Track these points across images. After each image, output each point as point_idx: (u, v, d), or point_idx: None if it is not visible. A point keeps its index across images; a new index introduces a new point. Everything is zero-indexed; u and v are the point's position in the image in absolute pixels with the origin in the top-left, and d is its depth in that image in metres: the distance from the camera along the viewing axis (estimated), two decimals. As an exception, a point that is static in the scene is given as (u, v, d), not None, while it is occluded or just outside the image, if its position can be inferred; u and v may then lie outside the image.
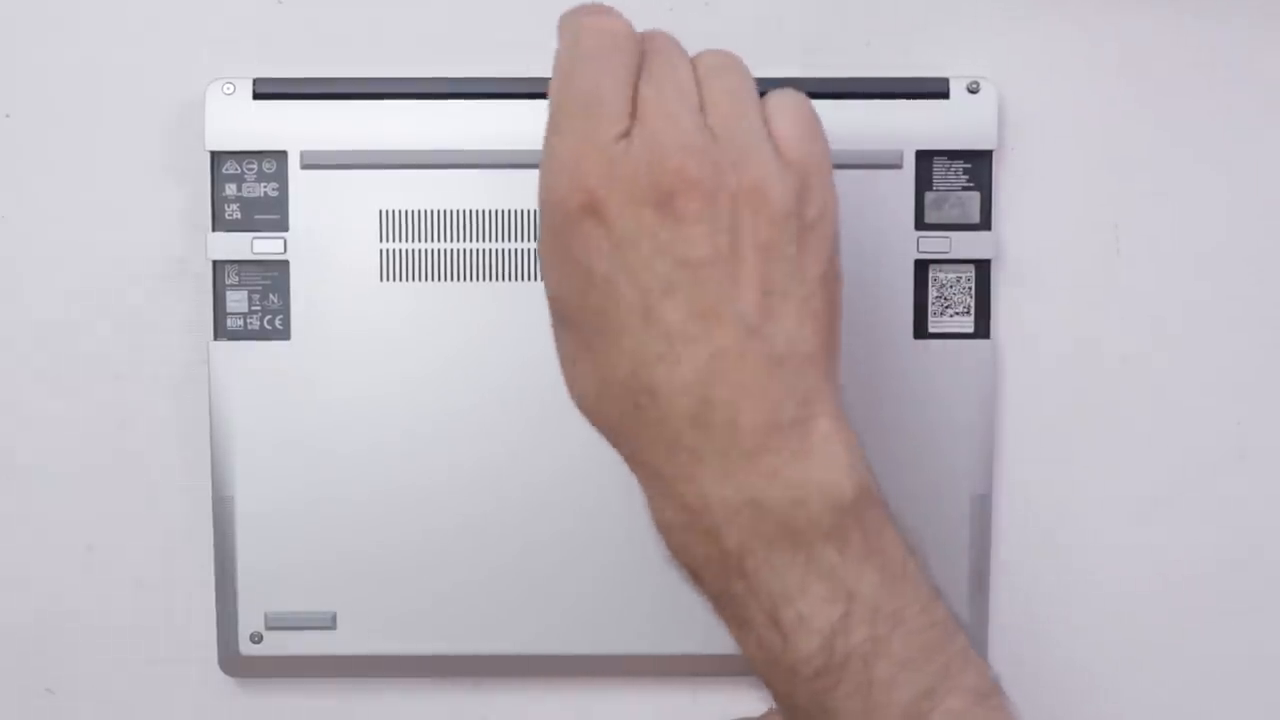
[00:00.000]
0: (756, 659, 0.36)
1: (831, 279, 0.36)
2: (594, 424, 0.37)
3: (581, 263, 0.34)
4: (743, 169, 0.35)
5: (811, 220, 0.35)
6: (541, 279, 0.37)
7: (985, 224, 0.49)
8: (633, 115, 0.35)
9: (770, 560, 0.34)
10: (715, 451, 0.34)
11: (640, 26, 0.51)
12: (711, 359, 0.34)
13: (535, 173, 0.48)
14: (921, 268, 0.49)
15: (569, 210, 0.34)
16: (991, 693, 0.37)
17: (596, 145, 0.34)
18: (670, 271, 0.34)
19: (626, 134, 0.34)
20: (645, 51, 0.36)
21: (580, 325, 0.36)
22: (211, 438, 0.49)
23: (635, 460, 0.36)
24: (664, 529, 0.36)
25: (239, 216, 0.49)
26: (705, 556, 0.35)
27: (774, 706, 0.46)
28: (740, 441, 0.34)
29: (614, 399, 0.35)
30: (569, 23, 0.37)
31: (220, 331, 0.49)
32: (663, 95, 0.35)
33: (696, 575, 0.36)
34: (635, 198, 0.34)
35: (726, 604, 0.36)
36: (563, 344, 0.37)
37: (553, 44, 0.50)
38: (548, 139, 0.36)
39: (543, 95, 0.48)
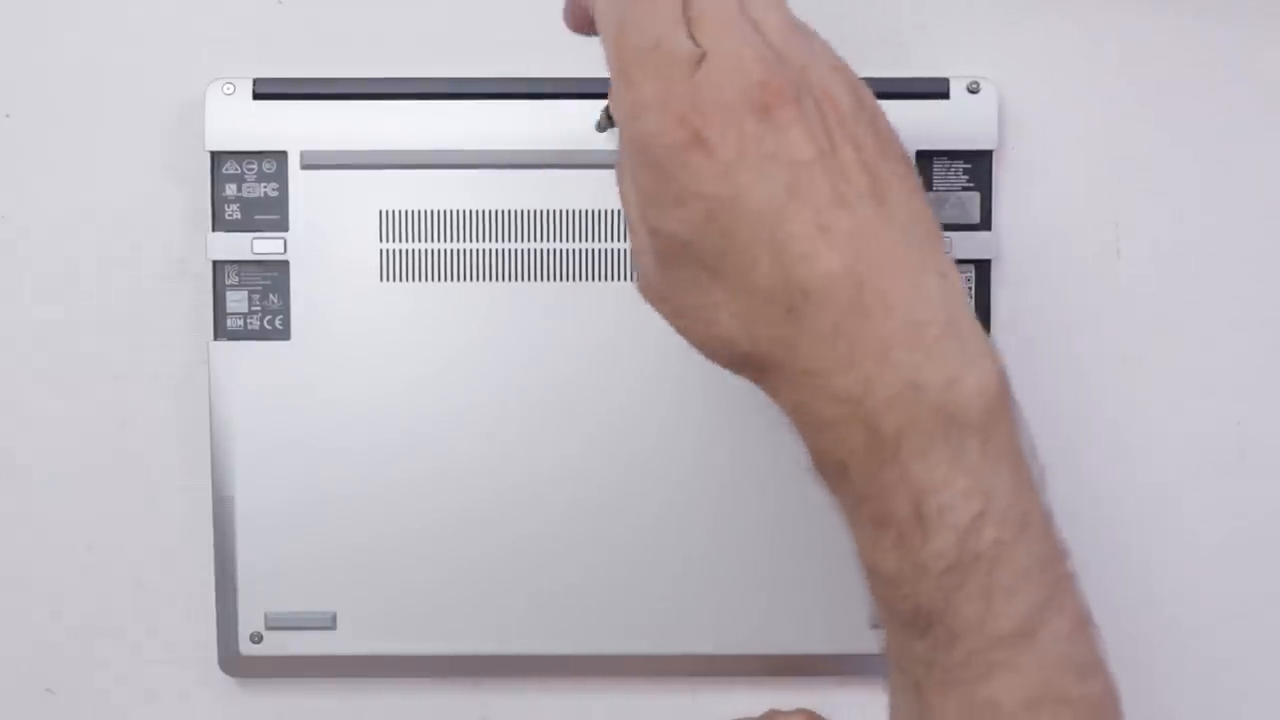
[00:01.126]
0: (887, 561, 0.36)
1: (907, 159, 0.37)
2: (739, 357, 0.37)
3: (696, 194, 0.35)
4: (808, 71, 0.36)
5: (871, 109, 0.37)
6: (645, 232, 0.37)
7: (985, 224, 0.49)
8: (694, 40, 0.36)
9: (924, 448, 0.35)
10: (873, 334, 0.34)
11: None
12: (853, 243, 0.35)
13: (535, 173, 0.49)
14: (921, 268, 0.49)
15: (671, 149, 0.35)
16: (1089, 621, 0.38)
17: (676, 81, 0.35)
18: (787, 175, 0.35)
19: (699, 60, 0.35)
20: None
21: (706, 257, 0.36)
22: (211, 438, 0.49)
23: (786, 369, 0.36)
24: (815, 430, 0.36)
25: (239, 216, 0.49)
26: (862, 446, 0.35)
27: (774, 707, 0.46)
28: (896, 319, 0.34)
29: (762, 316, 0.35)
30: None
31: (220, 331, 0.49)
32: (719, 12, 0.36)
33: (844, 473, 0.36)
34: (732, 118, 0.35)
35: (870, 500, 0.36)
36: (682, 291, 0.37)
37: (552, 44, 0.50)
38: (624, 95, 0.36)
39: (542, 96, 0.49)
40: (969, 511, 0.35)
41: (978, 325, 0.36)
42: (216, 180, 0.49)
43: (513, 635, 0.50)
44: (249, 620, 0.50)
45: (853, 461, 0.36)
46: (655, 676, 0.51)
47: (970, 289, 0.50)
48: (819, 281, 0.35)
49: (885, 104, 0.48)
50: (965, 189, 0.49)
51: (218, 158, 0.49)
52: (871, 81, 0.49)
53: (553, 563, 0.49)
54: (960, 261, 0.49)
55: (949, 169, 0.49)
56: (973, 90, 0.49)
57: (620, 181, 0.38)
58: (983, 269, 0.50)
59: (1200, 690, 0.52)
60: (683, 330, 0.38)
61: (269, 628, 0.50)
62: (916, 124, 0.49)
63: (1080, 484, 0.51)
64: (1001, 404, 0.36)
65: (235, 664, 0.50)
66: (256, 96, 0.48)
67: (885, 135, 0.37)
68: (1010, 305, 0.50)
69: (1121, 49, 0.50)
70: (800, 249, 0.34)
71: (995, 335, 0.50)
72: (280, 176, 0.49)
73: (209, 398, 0.49)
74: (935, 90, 0.49)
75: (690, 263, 0.36)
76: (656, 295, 0.38)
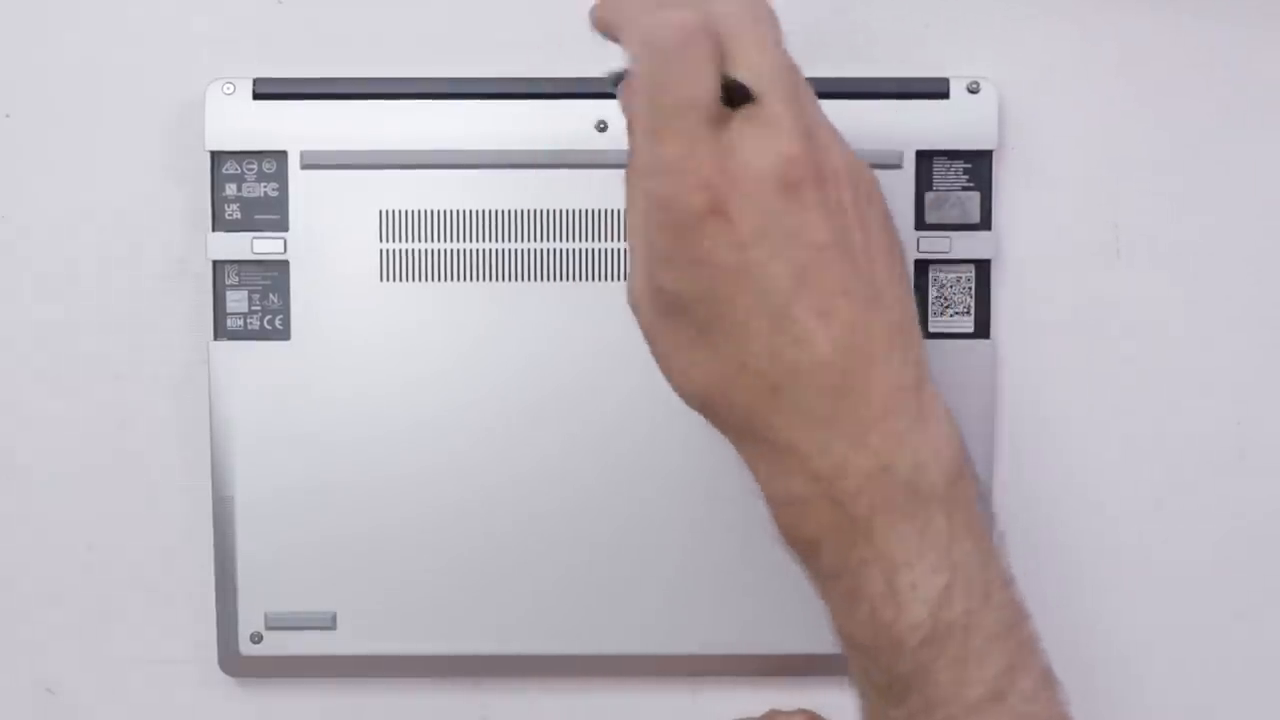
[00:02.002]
0: (862, 633, 0.37)
1: (899, 241, 0.38)
2: (711, 412, 0.38)
3: (708, 260, 0.35)
4: (830, 151, 0.36)
5: (879, 196, 0.38)
6: (646, 277, 0.37)
7: (985, 224, 0.49)
8: (739, 85, 0.36)
9: (895, 526, 0.36)
10: (851, 420, 0.35)
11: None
12: (846, 333, 0.35)
13: (535, 173, 0.49)
14: (921, 268, 0.49)
15: (692, 213, 0.35)
16: (1053, 680, 0.38)
17: (706, 145, 0.35)
18: (802, 257, 0.35)
19: (728, 126, 0.35)
20: (721, 33, 0.36)
21: (700, 318, 0.36)
22: (211, 438, 0.49)
23: (760, 440, 0.37)
24: (786, 504, 0.37)
25: (239, 216, 0.49)
26: (831, 526, 0.36)
27: (774, 707, 0.46)
28: (873, 407, 0.36)
29: (746, 386, 0.36)
30: (633, 24, 0.37)
31: (220, 331, 0.49)
32: (772, 72, 0.36)
33: (815, 549, 0.37)
34: (757, 191, 0.35)
35: (842, 577, 0.37)
36: (669, 339, 0.37)
37: (552, 44, 0.50)
38: (648, 150, 0.36)
39: (542, 96, 0.49)
40: (939, 584, 0.36)
41: (941, 401, 0.37)
42: (216, 180, 0.49)
43: (513, 635, 0.50)
44: (249, 620, 0.50)
45: (824, 538, 0.37)
46: (655, 676, 0.51)
47: (970, 289, 0.50)
48: (809, 365, 0.35)
49: (885, 104, 0.49)
50: (965, 189, 0.49)
51: (218, 158, 0.49)
52: (871, 81, 0.49)
53: (553, 562, 0.49)
54: (960, 261, 0.49)
55: (949, 169, 0.49)
56: (973, 90, 0.49)
57: (630, 224, 0.37)
58: (983, 269, 0.50)
59: (1201, 690, 0.52)
60: (659, 364, 0.38)
61: (269, 628, 0.50)
62: (916, 124, 0.49)
63: (1080, 484, 0.51)
64: (961, 477, 0.37)
65: (235, 664, 0.50)
66: (256, 96, 0.48)
67: (886, 223, 0.38)
68: (1010, 305, 0.50)
69: (1121, 49, 0.50)
70: (797, 332, 0.35)
71: (995, 335, 0.50)
72: (280, 176, 0.49)
73: (209, 398, 0.49)
74: (935, 90, 0.49)
75: (684, 318, 0.37)
76: (643, 325, 0.38)
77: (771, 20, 0.38)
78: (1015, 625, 0.37)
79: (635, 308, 0.38)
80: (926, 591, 0.36)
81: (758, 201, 0.35)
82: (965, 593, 0.36)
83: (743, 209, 0.35)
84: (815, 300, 0.35)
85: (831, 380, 0.35)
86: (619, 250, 0.49)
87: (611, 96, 0.49)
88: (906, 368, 0.36)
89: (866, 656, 0.37)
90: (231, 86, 0.48)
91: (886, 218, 0.38)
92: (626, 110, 0.38)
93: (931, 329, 0.49)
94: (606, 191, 0.49)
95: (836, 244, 0.35)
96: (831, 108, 0.48)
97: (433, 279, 0.49)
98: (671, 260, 0.36)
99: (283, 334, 0.49)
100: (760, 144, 0.35)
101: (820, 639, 0.50)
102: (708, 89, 0.35)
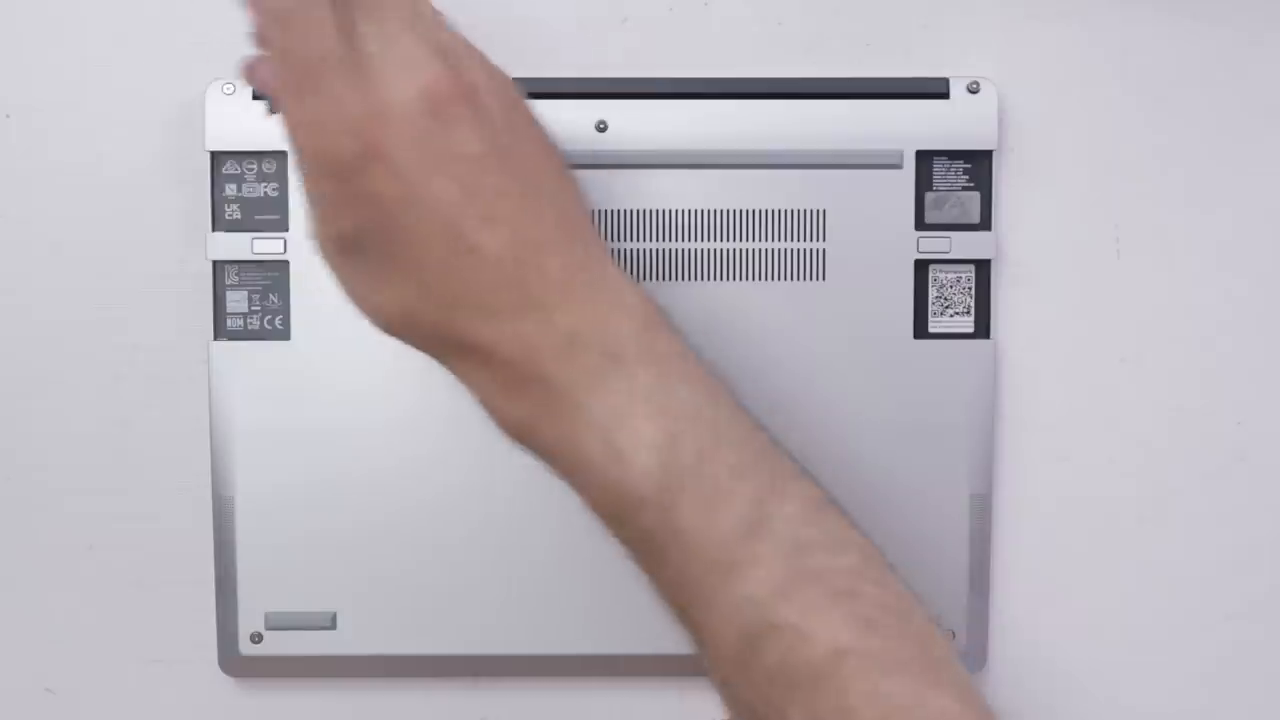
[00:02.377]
0: (605, 502, 0.38)
1: (554, 141, 0.41)
2: (407, 337, 0.40)
3: (375, 197, 0.37)
4: (469, 65, 0.38)
5: (523, 103, 0.40)
6: (323, 224, 0.39)
7: (985, 224, 0.49)
8: (357, 47, 0.37)
9: (598, 386, 0.37)
10: (532, 304, 0.38)
11: (641, 26, 0.51)
12: (512, 231, 0.38)
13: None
14: (921, 268, 0.49)
15: (348, 159, 0.37)
16: (827, 503, 0.39)
17: (345, 93, 0.37)
18: (459, 171, 0.37)
19: (364, 70, 0.37)
20: None
21: (380, 252, 0.38)
22: (211, 438, 0.49)
23: (457, 350, 0.39)
24: (495, 401, 0.39)
25: (239, 216, 0.49)
26: (540, 405, 0.38)
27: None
28: (551, 288, 0.38)
29: (432, 304, 0.38)
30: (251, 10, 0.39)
31: (220, 331, 0.49)
32: (390, 19, 0.38)
33: (534, 433, 0.39)
34: (405, 122, 0.37)
35: (566, 450, 0.38)
36: (354, 277, 0.39)
37: (551, 43, 0.50)
38: (295, 111, 0.38)
39: (542, 95, 0.49)
40: (659, 432, 0.37)
41: (623, 275, 0.39)
42: (216, 180, 0.49)
43: (513, 635, 0.50)
44: (249, 620, 0.50)
45: (537, 420, 0.38)
46: (655, 676, 0.51)
47: (970, 289, 0.50)
48: (483, 268, 0.37)
49: (885, 104, 0.49)
50: (965, 189, 0.49)
51: (218, 158, 0.49)
52: (871, 81, 0.49)
53: (553, 563, 0.49)
54: (960, 261, 0.49)
55: (949, 169, 0.49)
56: (973, 90, 0.49)
57: (300, 175, 0.39)
58: (983, 269, 0.50)
59: (1201, 690, 0.52)
60: (352, 302, 0.40)
61: (269, 628, 0.50)
62: (916, 124, 0.49)
63: (1080, 484, 0.51)
64: (658, 331, 0.39)
65: (235, 664, 0.50)
66: (256, 96, 0.48)
67: (534, 126, 0.40)
68: (1010, 305, 0.50)
69: (1121, 49, 0.50)
70: (469, 242, 0.37)
71: (995, 335, 0.50)
72: (280, 176, 0.49)
73: (209, 397, 0.49)
74: (935, 90, 0.49)
75: (364, 255, 0.38)
76: (330, 268, 0.40)
77: None
78: (764, 457, 0.38)
79: (320, 253, 0.39)
80: (649, 441, 0.37)
81: (408, 132, 0.37)
82: (693, 435, 0.37)
83: (396, 143, 0.37)
84: (479, 208, 0.37)
85: (505, 274, 0.37)
86: (619, 250, 0.49)
87: (612, 96, 0.49)
88: (576, 248, 0.39)
89: (620, 526, 0.39)
90: (232, 87, 0.48)
91: (533, 121, 0.40)
92: (262, 77, 0.39)
93: (931, 329, 0.49)
94: (606, 191, 0.49)
95: (490, 152, 0.38)
96: (831, 108, 0.49)
97: (433, 279, 0.49)
98: (341, 204, 0.38)
99: (283, 334, 0.49)
100: (398, 76, 0.37)
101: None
102: (331, 39, 0.37)
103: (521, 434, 0.39)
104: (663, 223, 0.49)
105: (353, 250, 0.38)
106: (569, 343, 0.38)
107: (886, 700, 0.36)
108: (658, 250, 0.49)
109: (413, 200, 0.37)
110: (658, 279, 0.49)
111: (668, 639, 0.50)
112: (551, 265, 0.38)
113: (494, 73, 0.39)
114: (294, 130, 0.38)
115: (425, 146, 0.37)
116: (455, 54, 0.38)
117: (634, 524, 0.38)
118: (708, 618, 0.38)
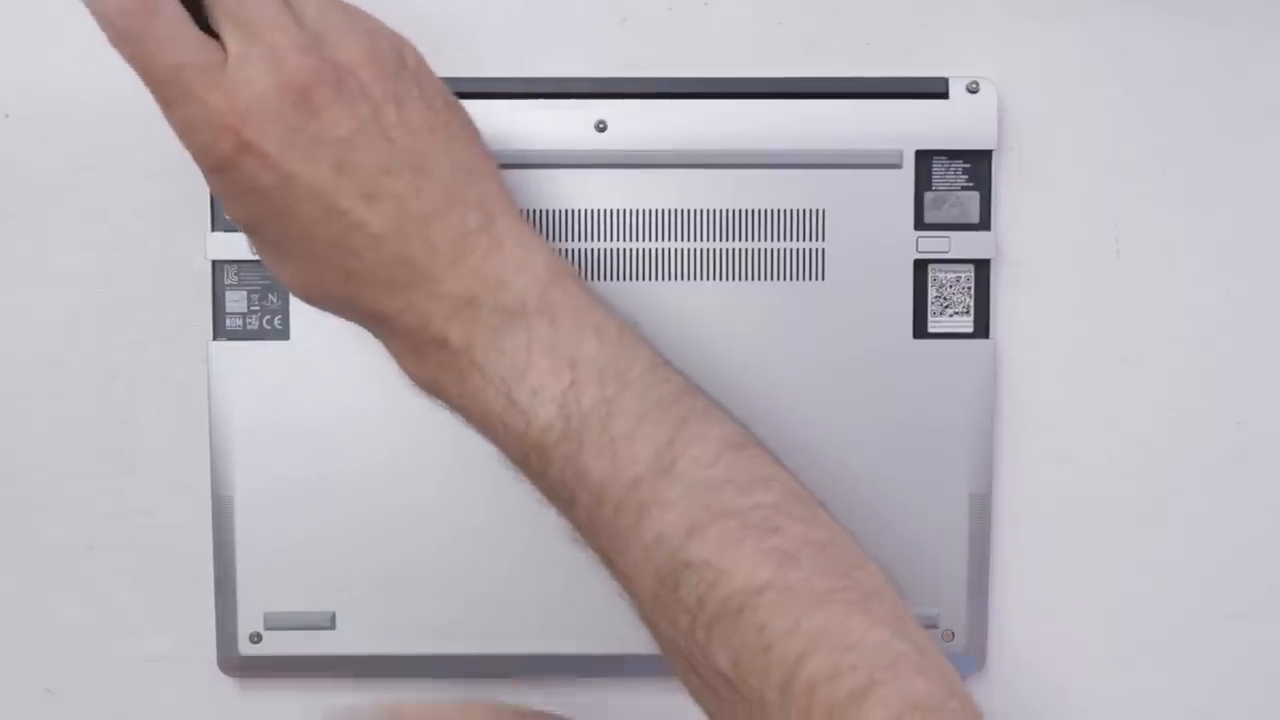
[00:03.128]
0: (512, 452, 0.40)
1: (454, 104, 0.42)
2: (324, 308, 0.42)
3: (254, 188, 0.38)
4: (341, 45, 0.39)
5: (411, 64, 0.41)
6: (226, 211, 0.40)
7: (985, 224, 0.49)
8: (220, 44, 0.38)
9: (494, 345, 0.39)
10: (423, 274, 0.39)
11: (640, 26, 0.51)
12: (395, 205, 0.39)
13: (535, 172, 0.49)
14: (921, 268, 0.49)
15: (223, 156, 0.38)
16: (745, 444, 0.39)
17: (209, 94, 0.38)
18: (333, 153, 0.38)
19: (226, 71, 0.38)
20: None
21: (274, 234, 0.40)
22: (211, 438, 0.49)
23: (365, 318, 0.41)
24: (404, 359, 0.41)
25: (239, 216, 0.49)
26: (442, 366, 0.40)
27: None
28: (441, 257, 0.39)
29: (330, 279, 0.40)
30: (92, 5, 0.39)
31: (220, 331, 0.49)
32: (254, 12, 0.38)
33: (441, 390, 0.41)
34: (271, 115, 0.38)
35: (471, 404, 0.40)
36: (265, 257, 0.41)
37: (551, 43, 0.50)
38: (169, 116, 0.39)
39: (542, 95, 0.49)
40: (560, 383, 0.38)
41: (526, 234, 0.40)
42: (216, 180, 0.49)
43: (512, 635, 0.50)
44: (248, 620, 0.50)
45: (441, 379, 0.40)
46: (655, 676, 0.51)
47: (970, 289, 0.49)
48: (370, 243, 0.39)
49: (885, 104, 0.49)
50: (965, 189, 0.49)
51: (217, 158, 0.49)
52: (871, 81, 0.49)
53: (553, 563, 0.49)
54: (960, 261, 0.49)
55: (949, 169, 0.49)
56: (973, 90, 0.49)
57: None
58: (983, 269, 0.50)
59: (1201, 691, 0.52)
60: (283, 284, 0.42)
61: (268, 628, 0.50)
62: (916, 124, 0.49)
63: (1080, 484, 0.51)
64: (557, 285, 0.40)
65: (234, 664, 0.50)
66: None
67: (430, 88, 0.41)
68: (1010, 305, 0.50)
69: (1121, 49, 0.50)
70: (351, 219, 0.38)
71: (995, 335, 0.50)
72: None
73: (209, 398, 0.49)
74: (935, 90, 0.49)
75: (262, 238, 0.40)
76: (256, 251, 0.42)
77: None
78: (674, 401, 0.39)
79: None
80: (550, 390, 0.38)
81: (273, 124, 0.38)
82: (597, 384, 0.39)
83: (264, 135, 0.38)
84: (358, 186, 0.38)
85: (393, 249, 0.39)
86: (619, 250, 0.49)
87: (612, 96, 0.49)
88: (469, 213, 0.40)
89: (532, 475, 0.40)
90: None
91: (424, 84, 0.40)
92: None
93: (931, 329, 0.49)
94: (606, 191, 0.49)
95: (364, 129, 0.38)
96: (831, 108, 0.49)
97: (432, 279, 0.49)
98: (231, 196, 0.39)
99: (282, 334, 0.49)
100: (258, 71, 0.38)
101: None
102: (184, 50, 0.38)
103: (432, 392, 0.41)
104: (662, 223, 0.49)
105: (254, 233, 0.41)
106: (464, 305, 0.39)
107: (809, 633, 0.36)
108: (658, 250, 0.49)
109: (289, 187, 0.38)
110: (658, 279, 0.49)
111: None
112: (440, 236, 0.39)
113: (376, 45, 0.40)
114: (175, 132, 0.39)
115: (292, 135, 0.38)
116: (327, 35, 0.39)
117: (543, 473, 0.39)
118: (625, 561, 0.39)
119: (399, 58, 0.40)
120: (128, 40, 0.38)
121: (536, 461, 0.39)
